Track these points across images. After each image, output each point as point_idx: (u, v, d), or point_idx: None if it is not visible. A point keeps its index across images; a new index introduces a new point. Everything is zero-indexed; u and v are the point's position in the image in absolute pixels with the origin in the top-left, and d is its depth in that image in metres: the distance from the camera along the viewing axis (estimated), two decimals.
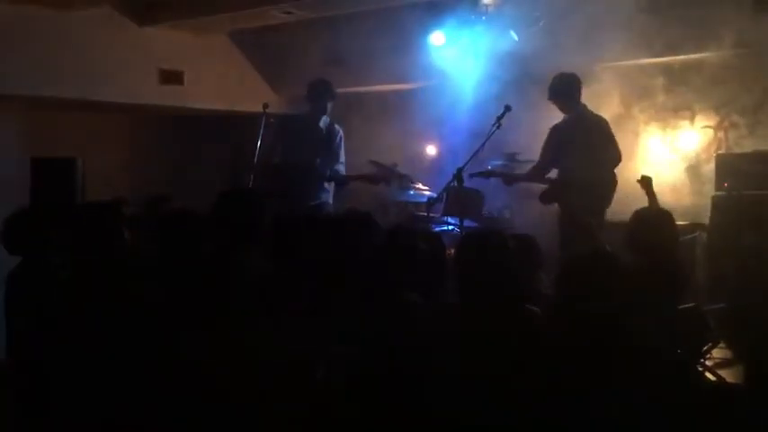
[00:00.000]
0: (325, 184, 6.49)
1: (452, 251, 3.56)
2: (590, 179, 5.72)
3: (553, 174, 6.16)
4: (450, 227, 6.55)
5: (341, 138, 6.63)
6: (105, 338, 2.97)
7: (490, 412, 2.74)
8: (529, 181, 6.30)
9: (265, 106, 6.71)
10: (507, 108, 5.22)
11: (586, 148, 5.81)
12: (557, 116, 6.30)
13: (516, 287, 2.90)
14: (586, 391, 2.60)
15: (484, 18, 7.30)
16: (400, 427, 2.76)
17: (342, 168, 6.58)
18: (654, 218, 3.74)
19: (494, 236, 3.05)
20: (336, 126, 6.67)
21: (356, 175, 6.59)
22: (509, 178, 6.27)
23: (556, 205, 6.04)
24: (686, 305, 4.06)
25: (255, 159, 6.33)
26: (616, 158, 5.95)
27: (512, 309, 2.86)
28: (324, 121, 6.60)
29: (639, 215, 3.79)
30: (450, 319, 2.94)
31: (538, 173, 6.13)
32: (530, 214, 7.57)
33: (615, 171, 5.97)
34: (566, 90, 5.96)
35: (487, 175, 6.40)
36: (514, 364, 2.75)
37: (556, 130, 6.04)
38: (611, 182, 5.93)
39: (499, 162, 7.02)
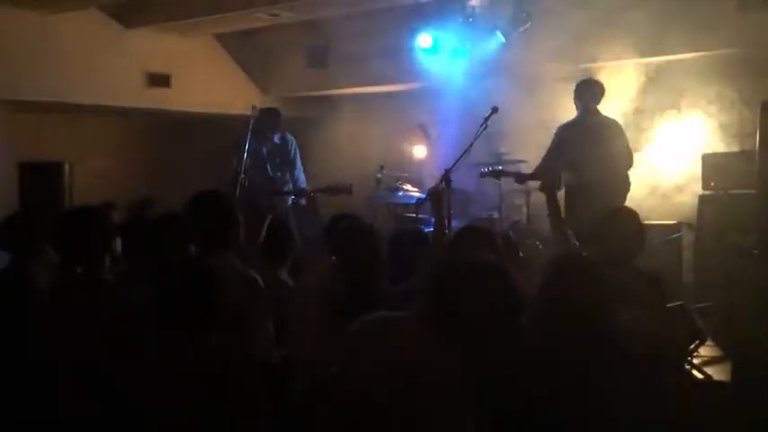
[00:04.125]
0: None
1: None
2: (592, 179, 5.73)
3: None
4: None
5: (295, 146, 6.77)
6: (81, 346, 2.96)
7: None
8: (538, 179, 6.31)
9: (253, 108, 6.69)
10: (494, 109, 5.22)
11: (590, 149, 5.82)
12: (544, 115, 6.34)
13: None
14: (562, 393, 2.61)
15: (470, 20, 7.30)
16: None
17: (300, 175, 6.77)
18: (619, 218, 3.72)
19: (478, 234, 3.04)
20: (289, 135, 6.75)
21: (317, 189, 6.70)
22: (521, 177, 6.28)
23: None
24: (673, 303, 4.07)
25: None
26: (625, 161, 5.96)
27: None
28: (277, 137, 6.67)
29: (603, 216, 3.79)
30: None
31: (545, 170, 6.13)
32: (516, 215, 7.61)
33: (628, 173, 5.96)
34: (577, 92, 6.06)
35: (498, 174, 6.42)
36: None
37: (561, 129, 6.06)
38: (619, 183, 5.92)
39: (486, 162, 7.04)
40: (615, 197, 5.84)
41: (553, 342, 2.67)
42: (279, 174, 6.64)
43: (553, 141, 6.07)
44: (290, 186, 6.78)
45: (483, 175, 6.47)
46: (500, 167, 6.65)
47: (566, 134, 6.00)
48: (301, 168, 6.78)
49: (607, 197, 5.79)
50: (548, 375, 2.64)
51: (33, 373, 3.11)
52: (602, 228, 3.69)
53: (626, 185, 5.94)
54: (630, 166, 5.99)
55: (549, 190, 4.01)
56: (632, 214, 3.73)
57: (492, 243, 2.99)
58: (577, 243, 3.94)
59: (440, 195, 4.10)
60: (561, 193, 5.51)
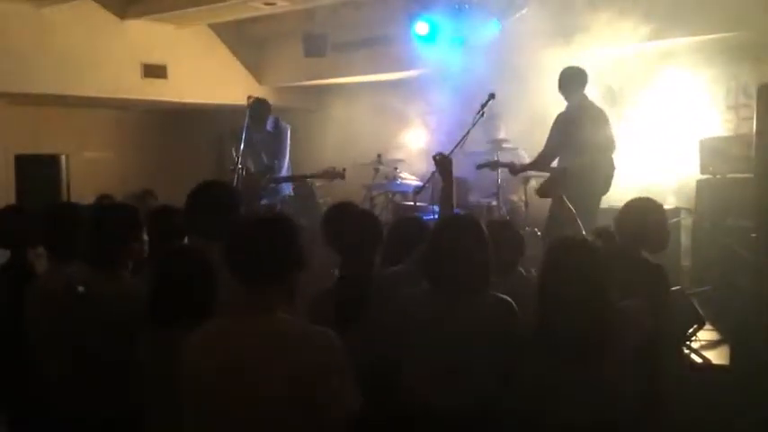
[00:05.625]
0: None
1: None
2: (592, 164, 5.73)
3: (554, 163, 6.13)
4: (437, 215, 6.55)
5: (288, 134, 6.74)
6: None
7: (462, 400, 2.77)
8: (534, 170, 6.28)
9: (249, 98, 6.68)
10: (491, 96, 5.21)
11: (589, 135, 5.80)
12: (542, 102, 6.32)
13: (487, 274, 2.89)
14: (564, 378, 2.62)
15: (467, 7, 7.28)
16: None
17: (283, 164, 6.71)
18: (642, 207, 3.73)
19: (468, 221, 3.03)
20: (283, 123, 6.75)
21: (311, 174, 6.78)
22: (515, 168, 6.25)
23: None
24: (672, 288, 4.08)
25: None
26: (613, 146, 5.99)
27: (481, 296, 2.87)
28: (270, 124, 6.64)
29: (629, 204, 3.79)
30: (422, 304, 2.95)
31: (543, 161, 6.10)
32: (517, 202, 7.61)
33: (612, 157, 5.97)
34: (564, 82, 6.01)
35: (494, 165, 6.39)
36: (482, 348, 2.78)
37: (560, 118, 6.02)
38: (611, 168, 5.94)
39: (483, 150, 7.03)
40: (608, 179, 5.87)
41: (551, 324, 2.68)
42: (276, 162, 6.63)
43: (554, 130, 6.03)
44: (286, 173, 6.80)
45: (479, 166, 6.46)
46: (496, 158, 6.63)
47: (569, 119, 5.95)
48: (287, 158, 6.75)
49: (602, 179, 5.81)
50: (545, 357, 2.66)
51: (31, 365, 3.13)
52: (624, 214, 3.70)
53: (613, 169, 5.96)
54: (614, 150, 6.01)
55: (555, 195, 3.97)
56: (656, 204, 3.76)
57: (476, 229, 2.97)
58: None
59: (448, 162, 3.85)
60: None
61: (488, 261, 2.90)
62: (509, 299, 2.88)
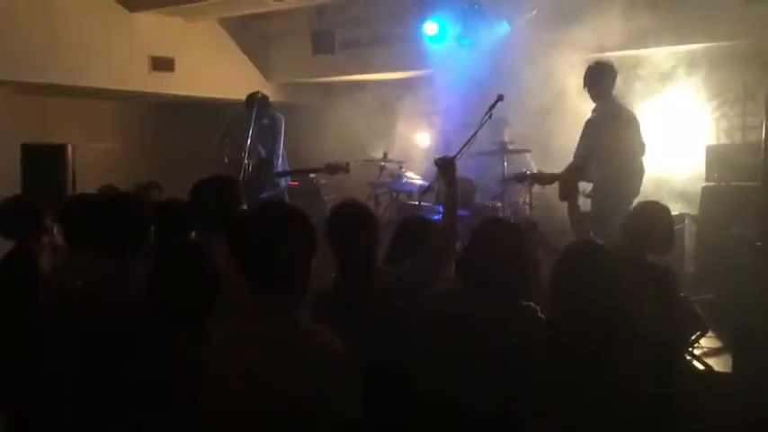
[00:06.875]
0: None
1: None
2: (626, 169, 5.62)
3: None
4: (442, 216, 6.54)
5: (282, 124, 6.77)
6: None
7: (481, 399, 2.77)
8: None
9: (257, 93, 6.69)
10: (499, 97, 5.17)
11: (622, 141, 5.59)
12: (550, 104, 6.32)
13: (518, 281, 2.90)
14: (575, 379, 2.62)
15: (476, 7, 7.28)
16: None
17: (279, 152, 6.73)
18: (651, 210, 3.73)
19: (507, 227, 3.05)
20: (277, 114, 6.79)
21: (314, 168, 6.89)
22: (545, 179, 6.12)
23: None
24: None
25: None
26: (643, 150, 5.79)
27: (511, 302, 2.88)
28: (268, 117, 6.66)
29: (637, 207, 3.80)
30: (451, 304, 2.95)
31: (578, 167, 5.93)
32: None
33: (642, 160, 5.78)
34: (593, 78, 5.76)
35: (523, 178, 6.34)
36: (505, 352, 2.78)
37: (591, 124, 5.77)
38: (642, 171, 5.78)
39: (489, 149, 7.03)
40: (639, 183, 5.73)
41: (564, 327, 2.68)
42: (273, 154, 6.66)
43: (586, 136, 5.83)
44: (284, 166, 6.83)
45: (507, 179, 6.42)
46: (525, 171, 6.51)
47: (600, 125, 5.75)
48: (282, 148, 6.75)
49: (634, 183, 5.68)
50: (561, 361, 2.66)
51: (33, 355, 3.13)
52: (631, 218, 3.70)
53: (642, 172, 5.82)
54: (644, 153, 5.88)
55: (570, 198, 3.98)
56: (663, 208, 3.76)
57: (517, 235, 2.99)
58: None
59: (451, 165, 3.62)
60: (586, 185, 5.48)
61: (524, 268, 2.93)
62: (534, 305, 2.89)
